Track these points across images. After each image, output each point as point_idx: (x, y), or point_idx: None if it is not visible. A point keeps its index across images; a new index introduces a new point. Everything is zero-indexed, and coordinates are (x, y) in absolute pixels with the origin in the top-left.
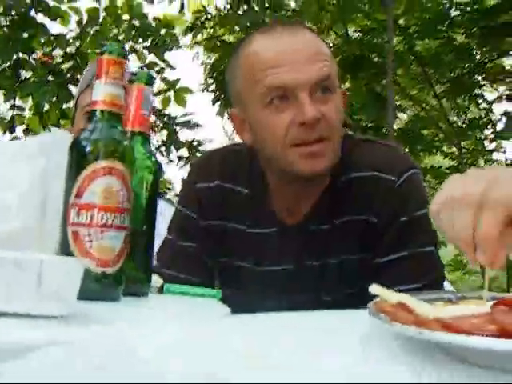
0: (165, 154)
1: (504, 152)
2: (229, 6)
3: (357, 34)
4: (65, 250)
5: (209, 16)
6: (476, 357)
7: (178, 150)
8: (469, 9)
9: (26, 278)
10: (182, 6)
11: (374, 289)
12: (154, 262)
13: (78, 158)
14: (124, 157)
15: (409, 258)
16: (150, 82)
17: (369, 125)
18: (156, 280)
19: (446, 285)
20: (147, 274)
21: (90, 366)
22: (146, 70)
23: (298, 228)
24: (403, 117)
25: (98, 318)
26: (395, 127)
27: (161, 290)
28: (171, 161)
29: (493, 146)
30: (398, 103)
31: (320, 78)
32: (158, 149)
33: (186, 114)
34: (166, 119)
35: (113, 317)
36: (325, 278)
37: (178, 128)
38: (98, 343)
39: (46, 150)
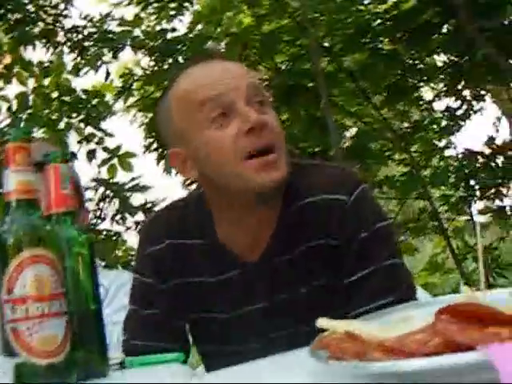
0: (121, 222)
1: (455, 148)
2: (153, 63)
3: (285, 65)
4: (7, 348)
5: (135, 77)
6: (416, 376)
7: (132, 215)
8: (388, 16)
9: None
10: (108, 73)
11: (321, 322)
12: (122, 336)
13: (1, 252)
14: (48, 242)
15: (374, 273)
16: (64, 157)
17: (315, 149)
18: (116, 356)
19: (420, 293)
20: (103, 353)
21: None
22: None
23: (261, 264)
24: (349, 135)
25: None
26: (344, 146)
27: (122, 366)
28: (128, 228)
29: (443, 143)
30: (340, 122)
31: (255, 87)
32: (113, 218)
33: (133, 179)
34: (115, 188)
35: None
36: (298, 310)
37: (128, 194)
38: None
39: None
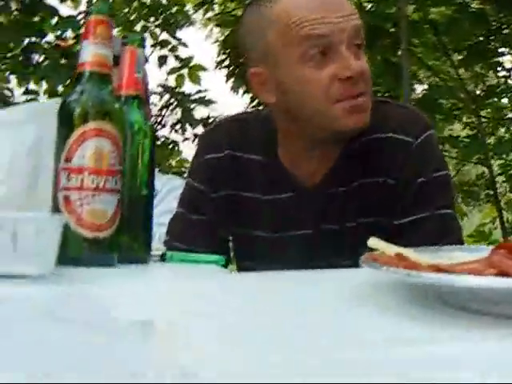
0: (180, 131)
1: None
2: None
3: (369, 5)
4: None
5: None
6: (469, 300)
7: (193, 127)
8: None
9: (1, 236)
10: None
11: (372, 242)
12: (165, 236)
13: (67, 121)
14: (114, 118)
15: (427, 219)
16: (142, 44)
17: (385, 95)
18: (158, 248)
19: None
20: (146, 240)
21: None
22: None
23: (316, 191)
24: (419, 88)
25: (74, 279)
26: (412, 97)
27: (163, 258)
28: (187, 139)
29: None
30: (414, 73)
31: (358, 30)
32: (172, 127)
33: (200, 91)
34: (180, 97)
35: (93, 280)
36: (343, 242)
37: (192, 105)
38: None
39: (36, 117)
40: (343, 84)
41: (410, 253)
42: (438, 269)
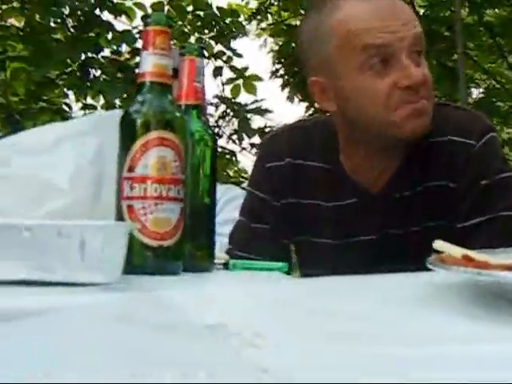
0: (237, 142)
1: None
2: None
3: (423, 11)
4: None
5: (272, 1)
6: None
7: (250, 137)
8: None
9: (69, 245)
10: None
11: (438, 244)
12: (227, 245)
13: (129, 131)
14: (176, 127)
15: (491, 221)
16: (200, 53)
17: (442, 99)
18: (220, 256)
19: None
20: (210, 248)
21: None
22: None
23: (380, 197)
24: (476, 91)
25: (142, 287)
26: (469, 101)
27: (226, 267)
28: (244, 148)
29: None
30: (471, 77)
31: (418, 38)
32: (229, 137)
33: (256, 101)
34: (236, 107)
35: (161, 286)
36: (408, 247)
37: (249, 115)
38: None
39: (98, 128)
40: (404, 92)
41: (476, 255)
42: (509, 268)
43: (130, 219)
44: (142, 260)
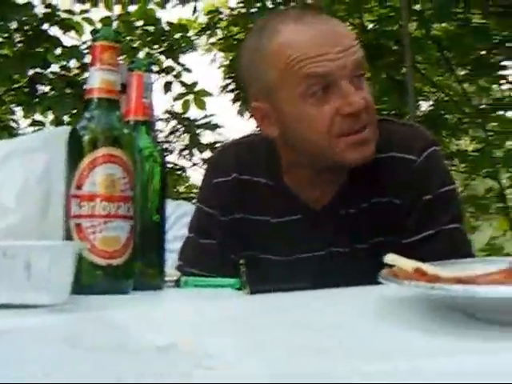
0: (188, 157)
1: None
2: (241, 5)
3: (371, 25)
4: None
5: (222, 16)
6: (494, 311)
7: (201, 152)
8: None
9: (14, 265)
10: (195, 8)
11: (390, 258)
12: (177, 262)
13: (76, 148)
14: (124, 144)
15: (436, 236)
16: (148, 68)
17: (391, 113)
18: (172, 273)
19: None
20: (160, 266)
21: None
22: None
23: (326, 213)
24: (424, 104)
25: (91, 307)
26: (418, 114)
27: (177, 284)
28: (195, 164)
29: None
30: (419, 90)
31: (359, 63)
32: (180, 153)
33: (206, 116)
34: (186, 123)
35: (111, 306)
36: (355, 263)
37: (199, 131)
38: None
39: (46, 145)
40: (346, 119)
41: (428, 267)
42: (459, 280)
43: (79, 238)
44: (91, 279)
